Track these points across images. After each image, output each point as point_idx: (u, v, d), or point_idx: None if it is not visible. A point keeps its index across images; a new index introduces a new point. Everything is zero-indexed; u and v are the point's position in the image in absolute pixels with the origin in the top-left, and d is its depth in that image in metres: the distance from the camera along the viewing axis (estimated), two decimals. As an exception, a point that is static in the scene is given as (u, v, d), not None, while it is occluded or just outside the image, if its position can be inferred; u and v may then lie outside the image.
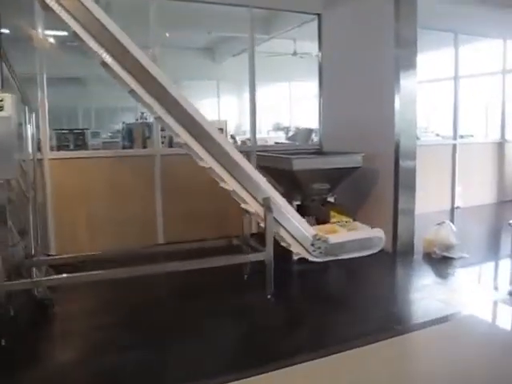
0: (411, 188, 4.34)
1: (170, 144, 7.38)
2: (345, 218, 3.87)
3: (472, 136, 7.39)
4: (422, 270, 3.92)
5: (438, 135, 7.59)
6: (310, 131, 6.30)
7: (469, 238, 4.76)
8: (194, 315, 3.04)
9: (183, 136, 3.09)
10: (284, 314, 3.12)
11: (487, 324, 2.98)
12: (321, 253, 3.40)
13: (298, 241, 3.33)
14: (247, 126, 11.48)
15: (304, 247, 3.36)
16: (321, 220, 3.92)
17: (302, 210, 4.05)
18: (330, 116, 5.36)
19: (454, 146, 6.80)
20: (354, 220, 4.01)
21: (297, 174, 3.81)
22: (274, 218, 3.20)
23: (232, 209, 3.60)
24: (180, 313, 3.11)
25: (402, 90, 4.17)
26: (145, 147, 6.11)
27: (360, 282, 3.63)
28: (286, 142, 7.45)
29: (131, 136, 6.94)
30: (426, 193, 5.79)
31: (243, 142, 9.56)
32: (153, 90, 2.98)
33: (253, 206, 3.21)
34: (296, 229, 3.30)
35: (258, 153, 4.38)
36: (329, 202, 4.17)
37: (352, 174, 4.17)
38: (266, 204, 3.14)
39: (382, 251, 3.69)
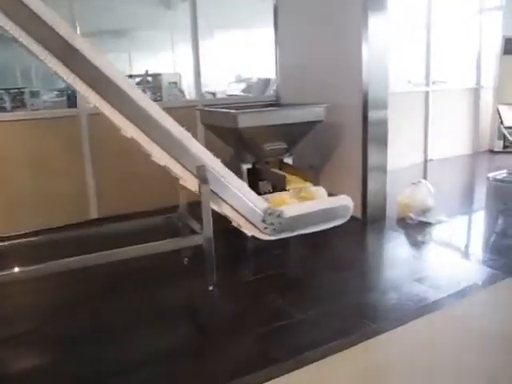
0: (382, 143, 3.70)
1: None
2: (304, 183, 3.21)
3: (445, 82, 6.75)
4: (397, 240, 3.34)
5: (409, 82, 6.94)
6: (267, 82, 5.56)
7: (446, 197, 4.21)
8: (108, 319, 2.40)
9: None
10: (227, 312, 2.47)
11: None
12: (274, 229, 2.76)
13: (245, 217, 2.67)
14: (210, 79, 10.59)
15: (253, 224, 2.71)
16: (277, 186, 3.26)
17: (253, 175, 3.39)
18: (288, 64, 4.60)
19: (427, 94, 6.19)
20: (316, 185, 3.36)
21: (243, 132, 3.11)
22: (212, 191, 2.52)
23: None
24: (95, 315, 2.45)
25: (372, 32, 3.45)
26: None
27: (325, 260, 3.01)
28: (241, 94, 6.67)
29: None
30: (397, 146, 5.24)
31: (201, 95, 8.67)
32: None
33: (187, 180, 2.52)
34: (242, 203, 2.63)
35: (201, 108, 3.62)
36: (286, 163, 3.50)
37: (312, 129, 3.49)
38: (200, 174, 2.45)
39: (350, 218, 3.12)
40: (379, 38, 3.51)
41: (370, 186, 3.72)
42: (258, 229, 2.73)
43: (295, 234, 2.88)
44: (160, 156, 2.45)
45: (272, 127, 3.18)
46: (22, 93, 6.71)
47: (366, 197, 3.78)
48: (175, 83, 7.60)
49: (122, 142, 3.69)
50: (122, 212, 4.04)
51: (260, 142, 3.28)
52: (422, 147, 6.20)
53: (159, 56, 10.34)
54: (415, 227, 3.52)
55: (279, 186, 3.14)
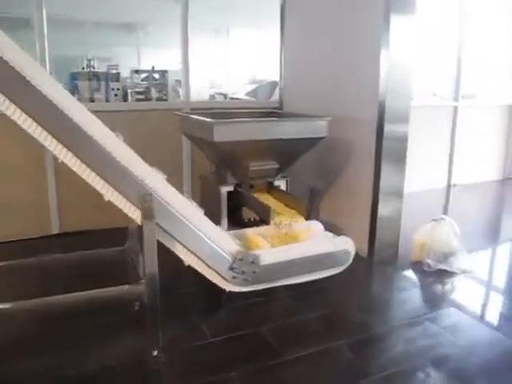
0: (399, 164, 3.01)
1: (125, 98, 6.14)
2: (297, 216, 2.54)
3: (474, 97, 5.98)
4: (408, 293, 2.64)
5: (434, 95, 6.19)
6: (274, 85, 4.88)
7: (472, 236, 3.49)
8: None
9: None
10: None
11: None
12: (246, 280, 2.10)
13: (205, 263, 2.02)
14: (224, 80, 9.95)
15: (217, 272, 2.05)
16: (260, 218, 2.60)
17: (235, 200, 2.73)
18: (293, 68, 3.94)
19: (455, 109, 5.45)
20: (314, 217, 2.68)
21: (221, 147, 2.45)
22: (161, 226, 1.87)
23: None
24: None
25: (393, 36, 2.77)
26: (92, 101, 4.97)
27: (314, 319, 2.32)
28: (244, 98, 6.02)
29: (77, 88, 5.89)
30: (417, 167, 4.53)
31: (212, 97, 8.06)
32: None
33: (128, 212, 1.88)
34: (202, 244, 1.98)
35: (179, 114, 2.96)
36: (276, 188, 2.83)
37: (312, 147, 2.82)
38: (144, 206, 1.80)
39: (355, 256, 2.44)
40: (402, 44, 2.83)
41: (381, 216, 3.03)
42: (224, 277, 2.07)
43: (275, 285, 2.22)
44: (92, 180, 1.81)
45: (259, 143, 2.52)
46: None
47: (375, 230, 3.09)
48: (178, 81, 7.01)
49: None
50: (85, 228, 3.47)
51: (243, 159, 2.62)
52: (446, 170, 5.46)
53: (167, 52, 9.81)
54: (433, 277, 2.81)
55: (263, 219, 2.47)
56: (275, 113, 3.30)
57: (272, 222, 2.40)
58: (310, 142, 2.73)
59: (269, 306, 2.40)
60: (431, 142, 5.21)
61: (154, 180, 1.86)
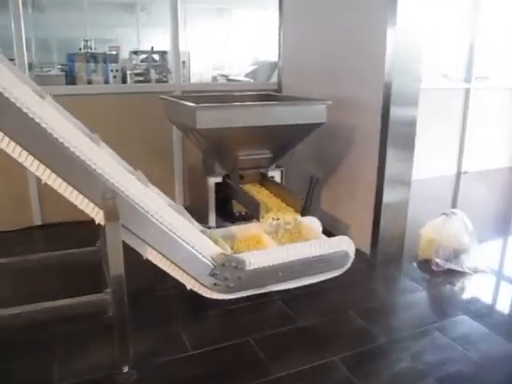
0: (407, 150, 2.72)
1: (124, 80, 5.91)
2: (291, 212, 2.28)
3: (487, 79, 5.60)
4: (414, 297, 2.38)
5: (445, 76, 5.82)
6: (274, 66, 4.58)
7: (485, 230, 3.21)
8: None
9: None
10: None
11: None
12: (230, 287, 1.85)
13: (181, 268, 1.77)
14: (227, 61, 9.58)
15: (196, 279, 1.80)
16: (251, 211, 2.35)
17: (224, 192, 2.47)
18: (293, 46, 3.63)
19: (467, 92, 5.12)
20: (308, 208, 2.42)
21: (204, 134, 2.19)
22: (127, 227, 1.62)
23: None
24: None
25: (401, 11, 2.46)
26: (90, 83, 5.00)
27: (309, 328, 2.06)
28: (242, 79, 5.71)
29: (73, 70, 5.65)
30: (425, 153, 4.22)
31: (214, 78, 7.76)
32: None
33: (90, 213, 1.63)
34: (177, 247, 1.73)
35: (163, 97, 2.68)
36: (269, 179, 2.57)
37: (308, 134, 2.54)
38: (107, 204, 1.54)
39: (356, 251, 2.21)
40: (411, 20, 2.52)
41: (386, 208, 2.76)
42: (204, 284, 1.82)
43: (263, 291, 1.97)
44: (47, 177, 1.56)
45: (248, 129, 2.24)
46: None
47: (379, 223, 2.82)
48: (183, 62, 6.73)
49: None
50: (68, 219, 3.23)
51: (230, 148, 2.35)
52: (456, 156, 5.15)
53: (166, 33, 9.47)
54: (442, 278, 2.55)
55: (253, 215, 2.22)
56: (271, 95, 3.01)
57: (262, 218, 2.14)
58: (307, 129, 2.45)
59: (258, 311, 2.15)
60: (441, 127, 4.89)
61: (121, 177, 1.60)
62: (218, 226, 2.57)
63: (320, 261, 2.00)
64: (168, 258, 1.73)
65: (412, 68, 2.61)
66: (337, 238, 2.09)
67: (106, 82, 5.60)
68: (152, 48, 7.20)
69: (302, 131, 2.44)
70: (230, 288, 1.85)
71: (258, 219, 2.16)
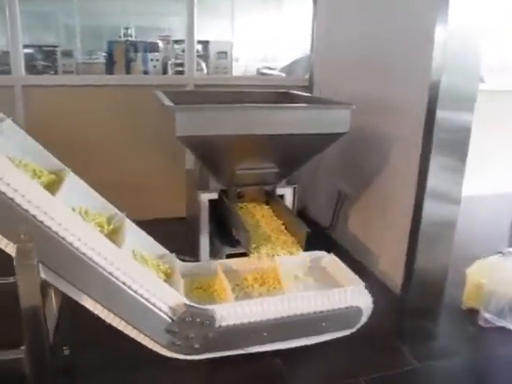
0: (455, 163, 2.14)
1: (165, 70, 5.65)
2: (288, 245, 1.78)
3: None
4: (451, 362, 1.82)
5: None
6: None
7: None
8: None
9: None
10: None
11: None
12: (193, 348, 1.40)
13: (126, 321, 1.34)
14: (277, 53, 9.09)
15: (148, 335, 1.36)
16: (241, 240, 1.87)
17: (220, 212, 2.03)
18: (326, 38, 3.11)
19: (540, 96, 4.34)
20: (334, 226, 1.92)
21: (186, 143, 1.74)
22: (53, 270, 1.21)
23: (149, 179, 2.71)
24: None
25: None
26: (128, 72, 4.89)
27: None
28: (276, 73, 5.21)
29: (112, 57, 5.43)
30: (481, 166, 3.55)
31: (261, 74, 7.27)
32: None
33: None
34: (119, 295, 1.30)
35: (156, 92, 2.25)
36: (276, 199, 2.08)
37: (326, 146, 2.03)
38: (19, 246, 1.14)
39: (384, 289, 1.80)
40: (467, 11, 1.95)
41: (425, 234, 2.20)
42: (158, 342, 1.38)
43: (243, 352, 1.51)
44: None
45: (246, 139, 1.77)
46: (55, 52, 6.07)
47: (415, 255, 2.27)
48: (225, 53, 6.38)
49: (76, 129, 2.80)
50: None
51: (225, 160, 1.89)
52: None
53: (217, 23, 9.11)
54: (492, 337, 1.97)
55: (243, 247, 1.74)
56: (290, 94, 2.51)
57: (252, 252, 1.67)
58: (324, 140, 1.94)
59: (240, 367, 1.65)
60: (503, 134, 4.17)
61: (47, 206, 1.18)
62: (213, 253, 2.13)
63: (321, 318, 1.51)
64: (108, 309, 1.30)
65: (468, 65, 2.03)
66: (348, 288, 1.58)
67: (145, 71, 5.36)
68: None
69: (317, 143, 1.94)
70: (195, 349, 1.40)
71: (247, 253, 1.69)
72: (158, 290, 1.35)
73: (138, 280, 1.32)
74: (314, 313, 1.49)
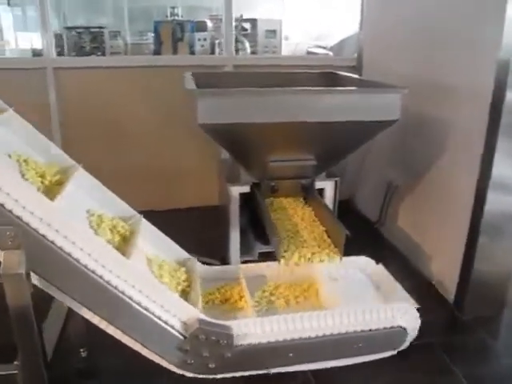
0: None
1: (212, 50, 5.52)
2: (325, 250, 1.56)
3: None
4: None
5: None
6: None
7: None
8: None
9: None
10: None
11: None
12: (208, 367, 1.23)
13: (133, 338, 1.19)
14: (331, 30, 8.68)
15: (157, 353, 1.21)
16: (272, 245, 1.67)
17: (253, 207, 1.85)
18: (377, 12, 2.80)
19: None
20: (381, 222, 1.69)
21: (210, 131, 1.55)
22: (49, 281, 1.08)
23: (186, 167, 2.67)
24: None
25: None
26: (175, 53, 4.74)
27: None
28: (324, 52, 4.89)
29: (159, 38, 5.32)
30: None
31: (309, 53, 6.94)
32: None
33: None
34: (122, 308, 1.15)
35: (187, 74, 2.06)
36: (314, 195, 1.86)
37: (372, 135, 1.78)
38: (5, 255, 1.01)
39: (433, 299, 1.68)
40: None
41: (486, 235, 1.93)
42: (170, 361, 1.23)
43: (264, 372, 1.33)
44: None
45: (280, 127, 1.56)
46: (102, 33, 6.10)
47: (473, 258, 2.00)
48: (274, 31, 6.13)
49: (112, 111, 2.73)
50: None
51: (256, 151, 1.69)
52: None
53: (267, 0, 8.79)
54: None
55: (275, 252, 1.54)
56: (336, 75, 2.25)
57: (281, 259, 1.47)
58: (369, 129, 1.69)
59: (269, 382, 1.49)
60: None
61: (42, 211, 1.04)
62: (245, 250, 1.96)
63: (358, 339, 1.30)
64: (111, 323, 1.16)
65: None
66: (392, 306, 1.35)
67: (193, 51, 5.24)
68: (241, 16, 6.63)
69: (362, 132, 1.69)
70: (210, 369, 1.23)
71: (277, 259, 1.49)
72: (169, 304, 1.19)
73: (148, 293, 1.16)
74: (350, 332, 1.28)
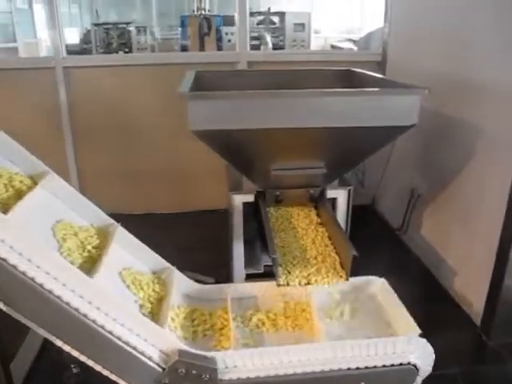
0: None
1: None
2: (331, 274, 1.40)
3: None
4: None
5: None
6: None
7: None
8: None
9: None
10: None
11: None
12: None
13: (106, 369, 1.08)
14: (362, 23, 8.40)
15: (132, 386, 1.10)
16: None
17: (258, 217, 1.72)
18: (405, 4, 2.60)
19: None
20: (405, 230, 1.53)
21: (204, 138, 1.42)
22: (10, 306, 0.98)
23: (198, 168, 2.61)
24: None
25: None
26: (202, 48, 4.61)
27: None
28: (348, 47, 4.67)
29: (186, 32, 5.24)
30: None
31: (334, 47, 6.73)
32: None
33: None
34: (94, 338, 1.04)
35: (188, 72, 1.93)
36: (324, 205, 1.70)
37: (387, 141, 1.61)
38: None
39: (458, 321, 1.66)
40: None
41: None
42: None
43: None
44: None
45: (285, 133, 1.41)
46: (128, 30, 6.10)
47: (503, 279, 1.81)
48: (302, 25, 5.98)
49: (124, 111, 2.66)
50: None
51: (257, 158, 1.55)
52: None
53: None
54: None
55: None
56: (350, 73, 2.07)
57: (280, 278, 1.33)
58: (385, 134, 1.52)
59: None
60: None
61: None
62: (251, 262, 1.83)
63: (359, 377, 1.14)
64: (84, 354, 1.05)
65: None
66: (399, 338, 1.19)
67: (220, 46, 5.16)
68: (269, 9, 6.47)
69: (375, 138, 1.52)
70: (193, 405, 1.11)
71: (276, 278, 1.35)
72: (147, 332, 1.07)
73: (121, 321, 1.04)
74: (350, 369, 1.13)
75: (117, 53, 5.11)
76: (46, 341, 1.25)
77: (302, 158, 1.57)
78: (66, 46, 3.74)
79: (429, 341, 1.17)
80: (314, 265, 1.40)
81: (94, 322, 1.02)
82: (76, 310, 1.00)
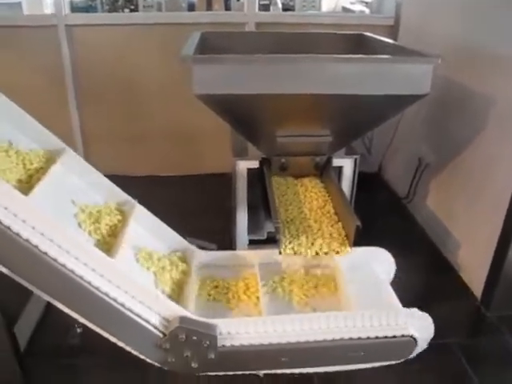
0: None
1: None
2: (333, 244, 1.40)
3: None
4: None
5: None
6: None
7: None
8: None
9: None
10: None
11: None
12: (190, 366, 1.13)
13: (108, 331, 1.09)
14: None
15: (138, 351, 1.12)
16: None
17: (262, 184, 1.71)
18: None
19: None
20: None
21: (208, 102, 1.39)
22: (11, 269, 0.98)
23: (204, 131, 2.55)
24: None
25: None
26: (209, 7, 4.18)
27: None
28: (360, 9, 4.49)
29: None
30: None
31: (344, 8, 6.53)
32: None
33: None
34: (93, 301, 1.04)
35: (193, 33, 1.86)
36: (329, 174, 1.68)
37: (397, 111, 1.57)
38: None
39: (459, 293, 1.69)
40: None
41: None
42: (150, 359, 1.13)
43: (254, 373, 1.22)
44: None
45: (288, 99, 1.37)
46: None
47: (507, 247, 1.80)
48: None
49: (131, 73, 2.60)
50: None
51: (262, 125, 1.52)
52: None
53: None
54: None
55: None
56: (362, 37, 2.00)
57: (282, 248, 1.33)
58: (395, 103, 1.48)
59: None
60: None
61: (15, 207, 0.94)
62: (254, 228, 1.83)
63: (359, 347, 1.15)
64: (84, 317, 1.06)
65: None
66: (400, 310, 1.20)
67: (227, 6, 4.98)
68: (279, -33, 6.22)
69: (384, 107, 1.48)
70: (192, 368, 1.13)
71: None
72: (149, 300, 1.08)
73: (123, 287, 1.05)
74: (352, 339, 1.14)
75: (122, 11, 4.97)
76: (49, 302, 1.26)
77: (308, 125, 1.53)
78: (72, 2, 3.59)
79: (428, 311, 1.17)
80: (318, 233, 1.40)
81: (97, 289, 1.03)
82: (81, 277, 1.01)
